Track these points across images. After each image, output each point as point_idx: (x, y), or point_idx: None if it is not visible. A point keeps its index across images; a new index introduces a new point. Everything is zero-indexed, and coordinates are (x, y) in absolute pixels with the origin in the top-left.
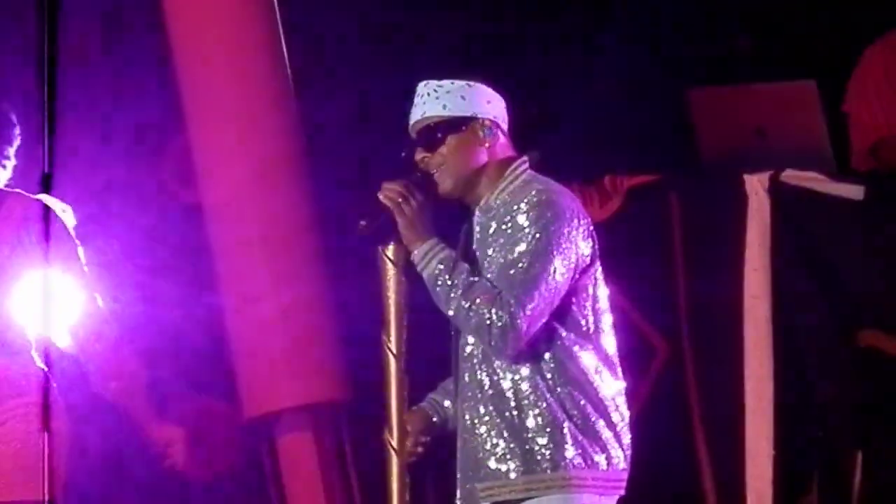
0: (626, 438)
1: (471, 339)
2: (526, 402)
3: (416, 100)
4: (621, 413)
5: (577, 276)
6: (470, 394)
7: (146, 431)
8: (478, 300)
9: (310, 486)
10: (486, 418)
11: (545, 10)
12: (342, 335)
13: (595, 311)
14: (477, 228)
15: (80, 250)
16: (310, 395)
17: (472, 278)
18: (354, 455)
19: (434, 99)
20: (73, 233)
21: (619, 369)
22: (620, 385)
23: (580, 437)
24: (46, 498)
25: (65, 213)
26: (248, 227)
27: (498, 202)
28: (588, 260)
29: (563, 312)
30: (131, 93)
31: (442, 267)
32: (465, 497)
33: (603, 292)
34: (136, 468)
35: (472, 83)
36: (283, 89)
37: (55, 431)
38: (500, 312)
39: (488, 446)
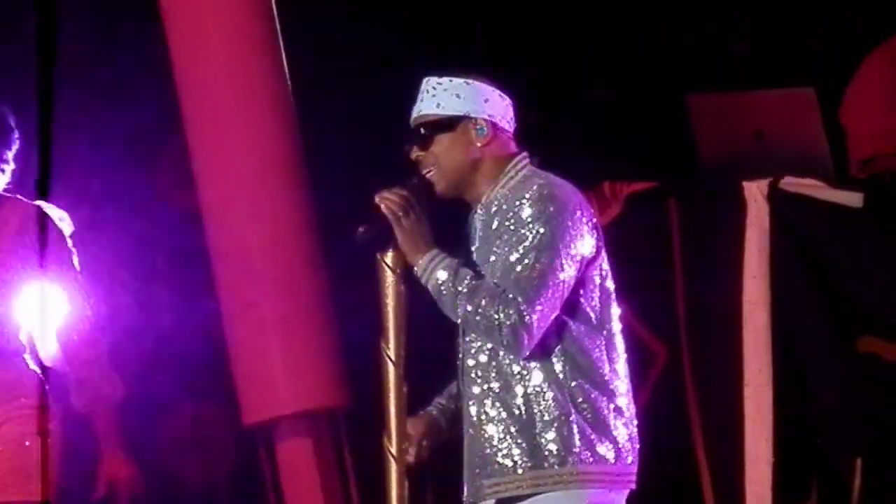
0: (635, 432)
1: (478, 337)
2: (534, 396)
3: (418, 96)
4: (630, 407)
5: (583, 268)
6: (477, 390)
7: (100, 454)
8: (483, 302)
9: (308, 493)
10: (494, 414)
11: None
12: (341, 342)
13: (603, 303)
14: (479, 225)
15: (76, 259)
16: (308, 402)
17: (475, 282)
18: (353, 462)
19: (431, 97)
20: (69, 241)
21: (626, 363)
22: (627, 379)
23: (588, 431)
24: (41, 499)
25: (62, 220)
26: (246, 232)
27: (499, 198)
28: (594, 251)
29: (571, 305)
30: (128, 97)
31: (445, 276)
32: (472, 494)
33: (610, 284)
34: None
35: (471, 80)
36: (281, 92)
37: (50, 434)
38: (508, 311)
39: (496, 442)
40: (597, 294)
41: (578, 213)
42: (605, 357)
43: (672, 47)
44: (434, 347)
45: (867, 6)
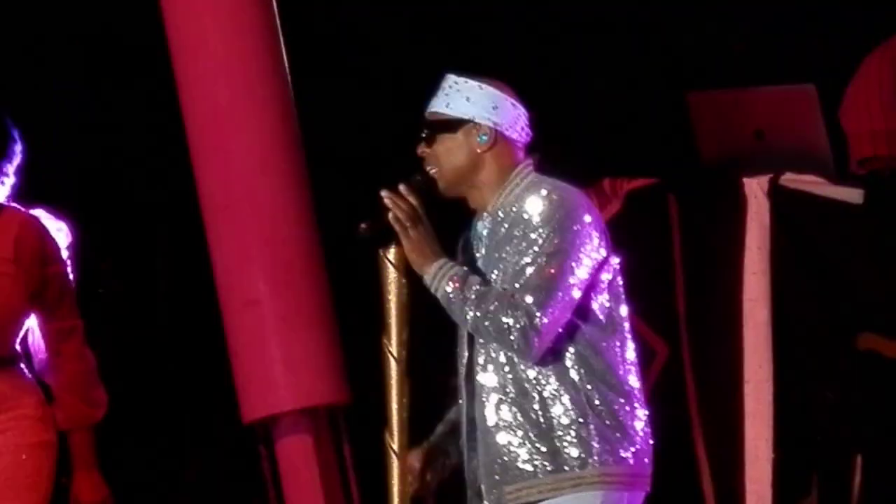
0: (649, 433)
1: (490, 345)
2: (551, 401)
3: (435, 91)
4: (644, 407)
5: (593, 271)
6: (493, 397)
7: (73, 476)
8: (492, 307)
9: (309, 490)
10: (511, 420)
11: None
12: (342, 338)
13: (614, 306)
14: (485, 233)
15: (70, 271)
16: (308, 399)
17: (483, 288)
18: (354, 458)
19: (444, 95)
20: (65, 253)
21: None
22: (640, 380)
23: (607, 433)
24: None
25: (59, 230)
26: (246, 229)
27: (505, 206)
28: (603, 255)
29: (583, 309)
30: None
31: (454, 285)
32: (494, 501)
33: (619, 286)
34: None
35: (485, 85)
36: (282, 91)
37: (46, 444)
38: (517, 315)
39: (515, 448)
40: (607, 297)
41: (587, 217)
42: (618, 359)
43: (672, 47)
44: (436, 343)
45: (867, 6)
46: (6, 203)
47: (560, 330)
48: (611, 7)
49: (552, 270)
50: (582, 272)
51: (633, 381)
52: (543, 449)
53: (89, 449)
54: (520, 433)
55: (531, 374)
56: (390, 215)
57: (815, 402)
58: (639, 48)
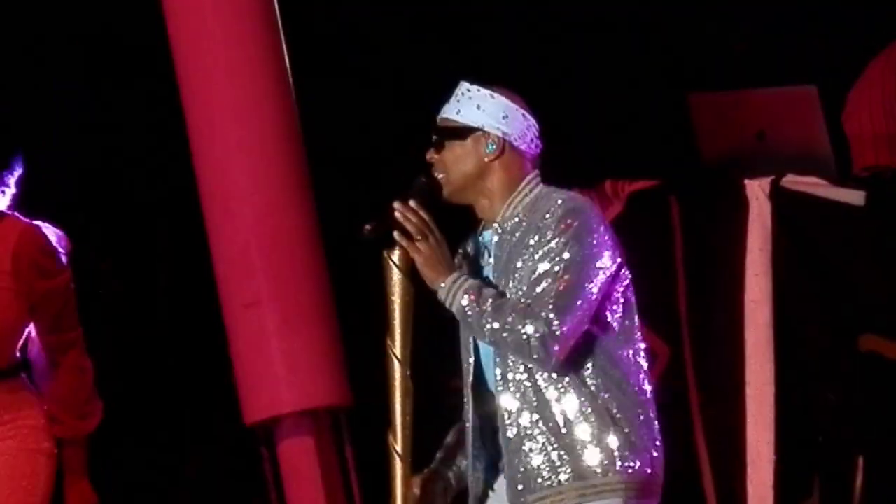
0: (661, 441)
1: (509, 356)
2: (572, 409)
3: (448, 98)
4: (656, 416)
5: (608, 280)
6: (513, 407)
7: (65, 484)
8: (510, 318)
9: (310, 492)
10: (532, 430)
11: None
12: (345, 339)
13: (627, 315)
14: (495, 239)
15: (70, 279)
16: (310, 401)
17: (500, 300)
18: (356, 460)
19: (456, 101)
20: (65, 259)
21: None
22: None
23: (627, 442)
24: None
25: (59, 239)
26: (246, 229)
27: (515, 215)
28: (618, 264)
29: (599, 318)
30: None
31: (469, 298)
32: None
33: (632, 296)
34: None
35: (496, 94)
36: (283, 91)
37: (45, 452)
38: (536, 324)
39: (538, 457)
40: (622, 306)
41: (602, 227)
42: (633, 368)
43: (673, 47)
44: (439, 344)
45: (868, 6)
46: (6, 212)
47: (578, 340)
48: (611, 7)
49: (571, 279)
50: (599, 282)
51: (647, 390)
52: (566, 458)
53: (80, 458)
54: (541, 442)
55: (550, 384)
56: (397, 234)
57: (816, 403)
58: (639, 48)
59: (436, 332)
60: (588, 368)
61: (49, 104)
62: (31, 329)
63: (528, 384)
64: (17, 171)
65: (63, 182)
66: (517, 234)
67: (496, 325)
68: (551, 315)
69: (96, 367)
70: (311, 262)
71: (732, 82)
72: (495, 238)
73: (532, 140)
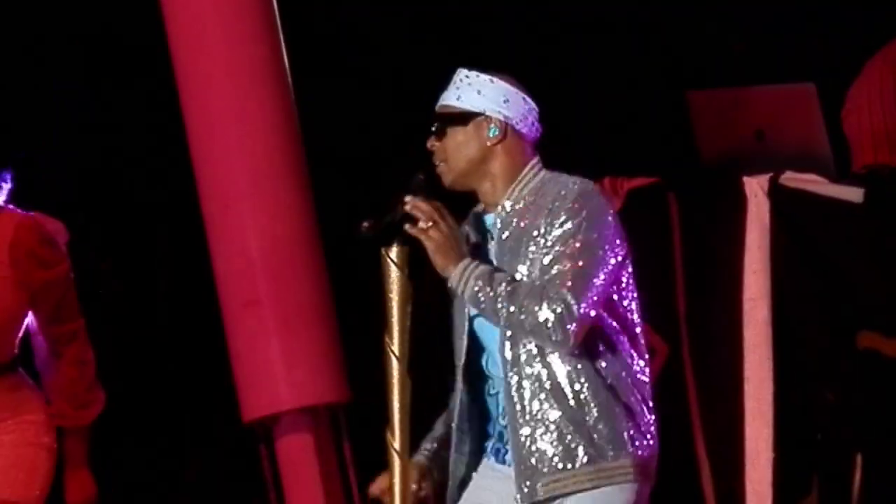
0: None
1: (521, 340)
2: (583, 393)
3: (447, 85)
4: (653, 401)
5: (617, 266)
6: (525, 393)
7: (66, 473)
8: (525, 301)
9: (309, 489)
10: (542, 415)
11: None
12: (344, 337)
13: (632, 301)
14: (498, 225)
15: (70, 271)
16: (308, 398)
17: (512, 284)
18: (355, 457)
19: (455, 88)
20: (64, 250)
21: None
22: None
23: (632, 426)
24: None
25: (58, 231)
26: (246, 229)
27: (521, 200)
28: (625, 249)
29: (608, 303)
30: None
31: (481, 283)
32: (526, 497)
33: (633, 284)
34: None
35: (496, 78)
36: (283, 91)
37: (45, 446)
38: (552, 306)
39: (549, 441)
40: (627, 292)
41: (612, 211)
42: (635, 354)
43: (672, 46)
44: (438, 341)
45: (867, 6)
46: (2, 205)
47: (591, 321)
48: (611, 7)
49: (586, 261)
50: (611, 265)
51: (645, 378)
52: (578, 442)
53: (81, 449)
54: (553, 427)
55: (561, 369)
56: (407, 227)
57: (815, 402)
58: (639, 48)
59: (434, 328)
60: (598, 352)
61: (49, 104)
62: (33, 321)
63: (540, 368)
64: (7, 182)
65: (63, 182)
66: (526, 218)
67: (512, 309)
68: (568, 296)
69: (96, 368)
70: (310, 262)
71: (732, 82)
72: (498, 222)
73: (533, 123)
